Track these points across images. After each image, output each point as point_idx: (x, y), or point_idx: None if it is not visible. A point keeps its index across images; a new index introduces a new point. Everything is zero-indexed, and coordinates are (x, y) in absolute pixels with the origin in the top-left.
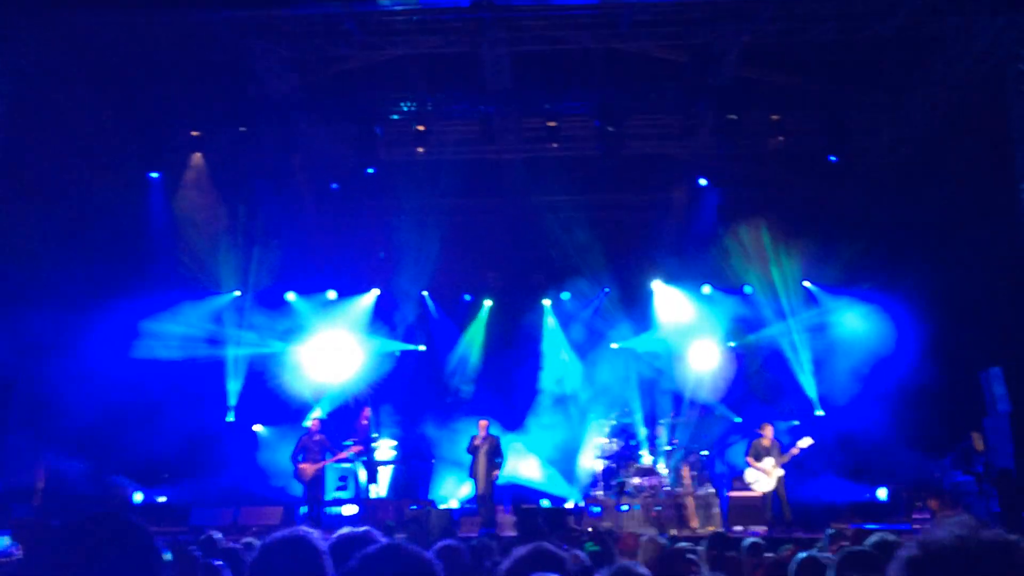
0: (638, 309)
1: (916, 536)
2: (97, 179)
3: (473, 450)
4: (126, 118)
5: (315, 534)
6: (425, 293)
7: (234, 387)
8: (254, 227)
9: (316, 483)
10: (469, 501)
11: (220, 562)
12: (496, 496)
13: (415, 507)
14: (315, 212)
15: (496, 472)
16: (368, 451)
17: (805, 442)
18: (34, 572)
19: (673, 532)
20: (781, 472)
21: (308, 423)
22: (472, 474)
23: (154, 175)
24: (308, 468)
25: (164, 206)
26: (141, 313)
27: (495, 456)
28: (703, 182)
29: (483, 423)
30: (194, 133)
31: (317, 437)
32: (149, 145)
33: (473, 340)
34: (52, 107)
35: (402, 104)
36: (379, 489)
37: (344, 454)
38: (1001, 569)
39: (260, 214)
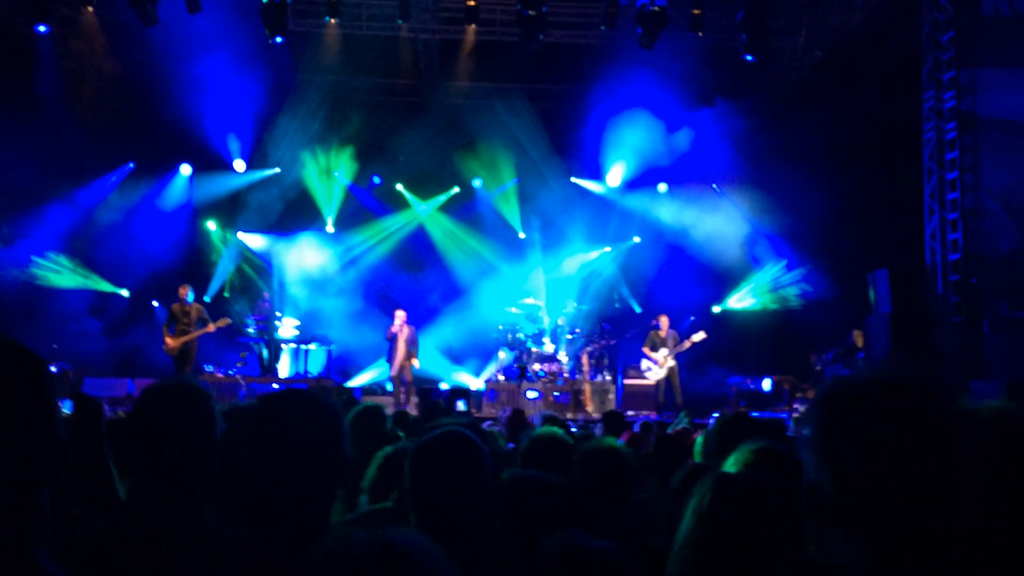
0: (547, 199)
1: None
2: None
3: (391, 337)
4: None
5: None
6: (335, 174)
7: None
8: (150, 93)
9: (184, 358)
10: (376, 384)
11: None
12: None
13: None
14: (216, 80)
15: (414, 360)
16: (269, 329)
17: (699, 336)
18: None
19: (570, 415)
20: (673, 363)
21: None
22: (389, 359)
23: (41, 29)
24: (172, 342)
25: (52, 64)
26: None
27: (411, 345)
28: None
29: (399, 312)
30: None
31: (187, 307)
32: None
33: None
34: None
35: None
36: (281, 368)
37: (210, 327)
38: (917, 399)
39: (157, 79)
